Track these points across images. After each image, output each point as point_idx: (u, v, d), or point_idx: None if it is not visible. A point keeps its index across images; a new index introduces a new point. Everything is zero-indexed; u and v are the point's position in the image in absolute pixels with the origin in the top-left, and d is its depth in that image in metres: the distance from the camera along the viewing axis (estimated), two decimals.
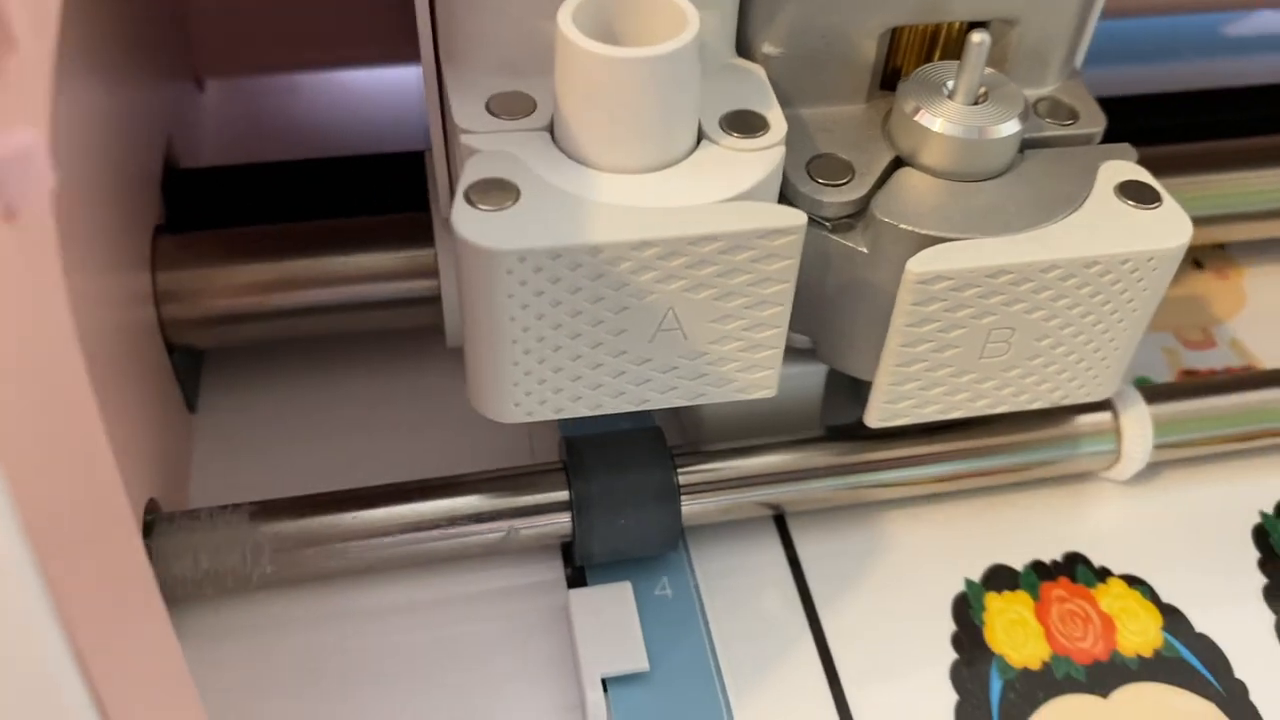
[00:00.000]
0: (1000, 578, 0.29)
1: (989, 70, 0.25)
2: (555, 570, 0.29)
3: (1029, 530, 0.31)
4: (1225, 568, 0.30)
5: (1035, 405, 0.27)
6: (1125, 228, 0.24)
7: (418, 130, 0.41)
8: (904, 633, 0.28)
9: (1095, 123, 0.27)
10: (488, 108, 0.24)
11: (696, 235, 0.22)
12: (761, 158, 0.23)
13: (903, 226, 0.24)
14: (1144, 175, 0.26)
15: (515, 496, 0.27)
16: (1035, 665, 0.28)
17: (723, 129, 0.24)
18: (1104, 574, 0.30)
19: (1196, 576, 0.30)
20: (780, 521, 0.30)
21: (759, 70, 0.25)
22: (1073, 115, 0.27)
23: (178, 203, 0.32)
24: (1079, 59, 0.28)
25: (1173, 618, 0.29)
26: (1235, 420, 0.31)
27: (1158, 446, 0.30)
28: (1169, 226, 0.25)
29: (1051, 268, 0.24)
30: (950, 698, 0.27)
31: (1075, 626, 0.29)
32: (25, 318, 0.13)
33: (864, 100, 0.27)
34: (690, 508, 0.28)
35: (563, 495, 0.27)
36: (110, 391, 0.25)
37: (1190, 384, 0.32)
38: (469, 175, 0.22)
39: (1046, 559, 0.30)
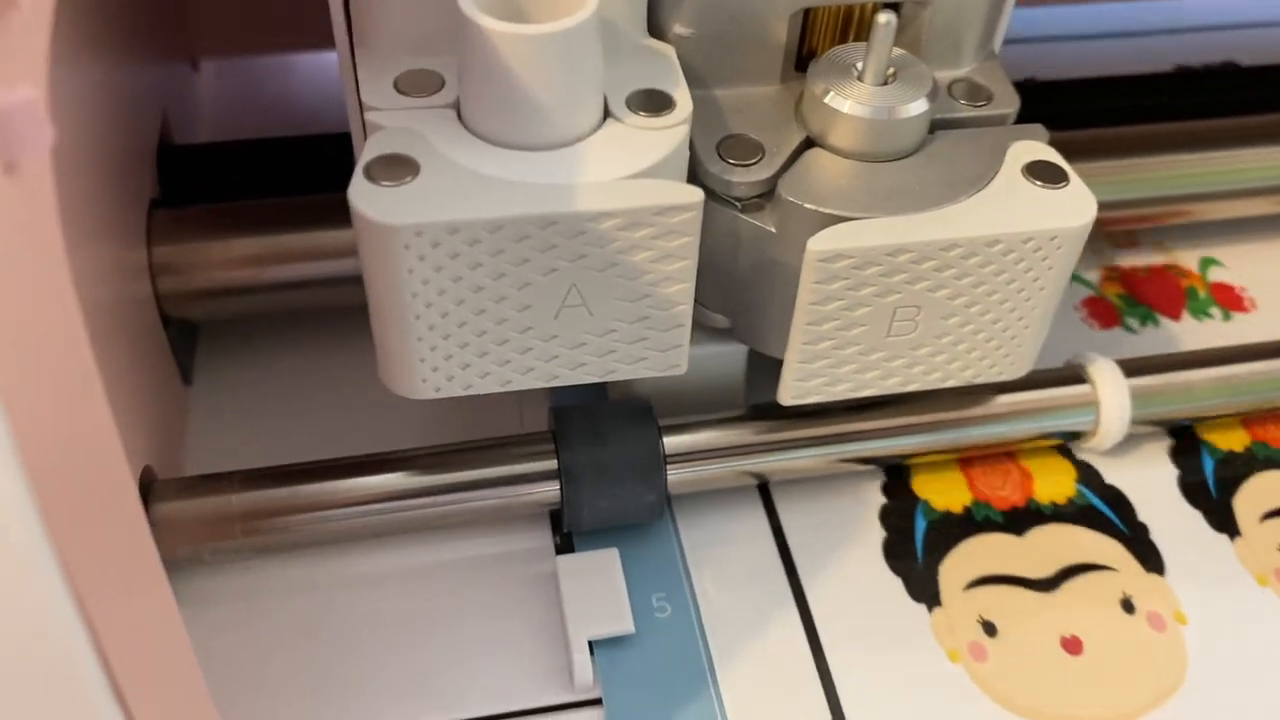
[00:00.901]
0: None
1: (899, 51, 0.26)
2: (544, 538, 0.30)
3: None
4: (1137, 431, 0.32)
5: (949, 384, 0.27)
6: (1029, 206, 0.25)
7: None
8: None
9: (1009, 104, 0.27)
10: (396, 86, 0.24)
11: (595, 211, 0.22)
12: (665, 136, 0.23)
13: (807, 206, 0.24)
14: (1052, 155, 0.26)
15: (505, 465, 0.28)
16: (957, 509, 0.31)
17: (629, 108, 0.24)
18: None
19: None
20: (764, 490, 0.31)
21: (669, 50, 0.25)
22: (987, 97, 0.27)
23: (173, 178, 0.32)
24: (997, 42, 0.28)
25: (1086, 472, 0.32)
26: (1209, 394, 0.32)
27: (1135, 421, 0.31)
28: (1074, 205, 0.25)
29: (952, 246, 0.24)
30: (878, 535, 0.30)
31: (996, 478, 0.31)
32: (26, 270, 0.14)
33: (778, 82, 0.27)
34: (676, 476, 0.29)
35: (551, 464, 0.28)
36: (105, 363, 0.25)
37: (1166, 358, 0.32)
38: (370, 151, 0.22)
39: None
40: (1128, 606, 0.29)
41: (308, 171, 0.33)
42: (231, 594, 0.28)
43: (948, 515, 0.31)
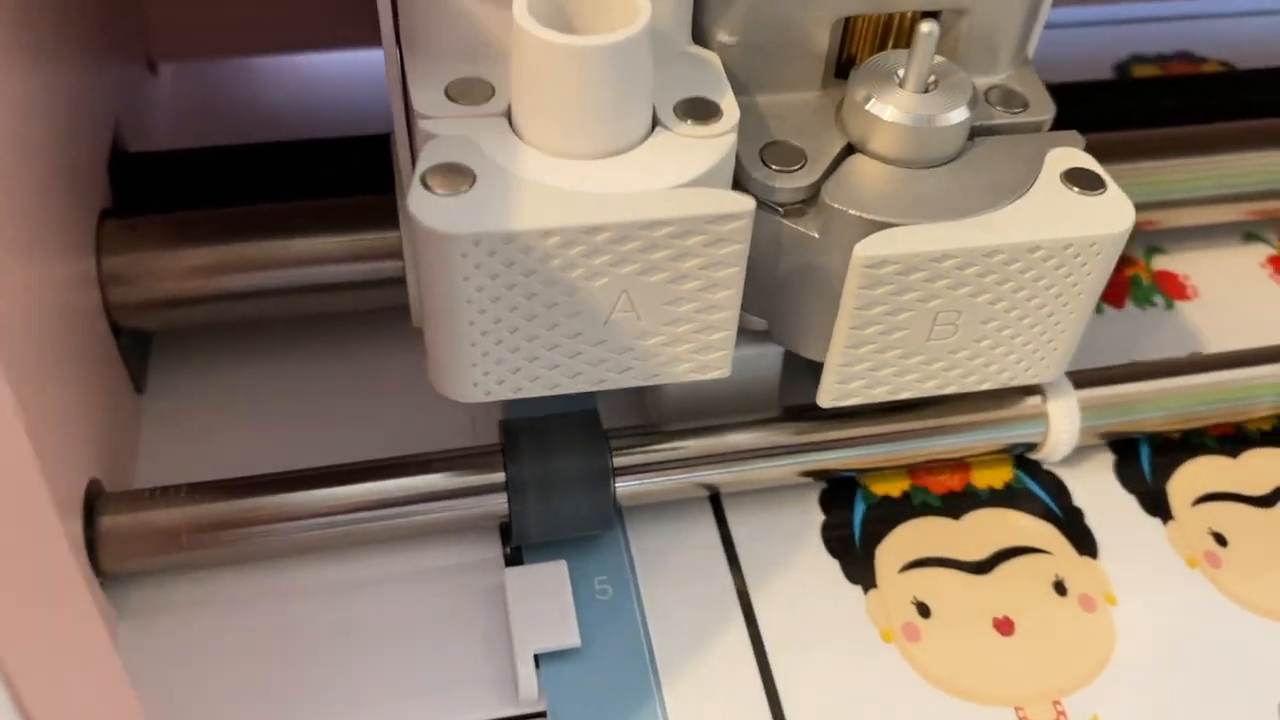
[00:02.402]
0: None
1: (939, 59, 0.26)
2: (494, 550, 0.30)
3: None
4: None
5: (983, 386, 0.28)
6: (1069, 213, 0.25)
7: (374, 114, 0.41)
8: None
9: (1045, 110, 0.27)
10: (447, 93, 0.24)
11: (648, 220, 0.22)
12: (714, 144, 0.24)
13: (851, 212, 0.25)
14: (1090, 163, 0.26)
15: (453, 478, 0.28)
16: (895, 494, 0.31)
17: (677, 116, 0.24)
18: None
19: None
20: (715, 501, 0.31)
21: (714, 58, 0.26)
22: (1023, 103, 0.28)
23: (125, 186, 0.32)
24: (1031, 48, 0.29)
25: (1023, 459, 0.32)
26: (1162, 405, 0.32)
27: (1085, 430, 0.31)
28: (1112, 213, 0.25)
29: (995, 252, 0.24)
30: (817, 518, 0.31)
31: (934, 464, 0.32)
32: None
33: (818, 88, 0.27)
34: (626, 488, 0.29)
35: (499, 477, 0.28)
36: (52, 372, 0.26)
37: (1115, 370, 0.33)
38: (425, 160, 0.23)
39: None
40: (1060, 588, 0.30)
41: (264, 180, 0.33)
42: (178, 606, 0.28)
43: (886, 499, 0.31)
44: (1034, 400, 0.31)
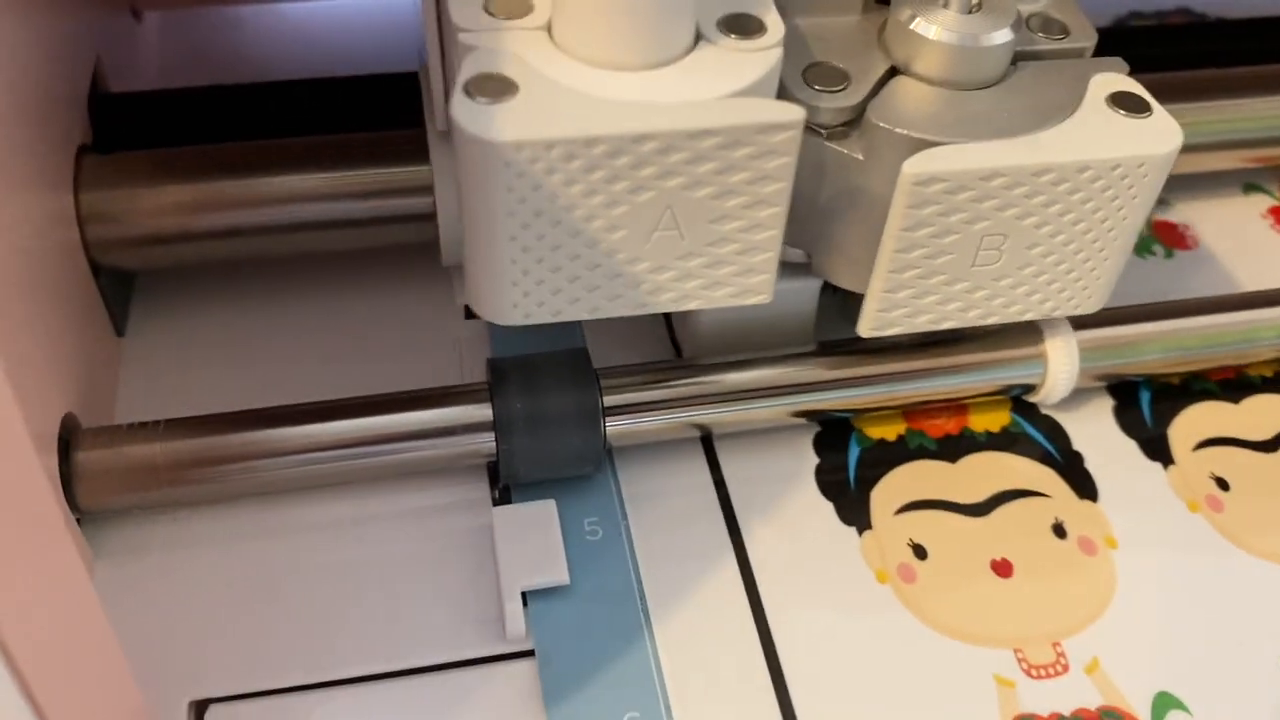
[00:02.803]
0: None
1: None
2: (482, 490, 0.29)
3: None
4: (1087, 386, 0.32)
5: (1026, 316, 0.27)
6: (1117, 134, 0.25)
7: (360, 61, 0.40)
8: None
9: (1086, 37, 0.27)
10: (485, 8, 0.24)
11: (696, 129, 0.22)
12: (759, 58, 0.23)
13: (898, 131, 0.24)
14: (1134, 86, 0.26)
15: (439, 415, 0.28)
16: (891, 437, 0.31)
17: (720, 30, 0.24)
18: None
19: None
20: (707, 443, 0.31)
21: None
22: (1064, 30, 0.27)
23: (107, 126, 0.31)
24: None
25: (1021, 403, 0.32)
26: (1161, 346, 0.32)
27: (1083, 372, 0.31)
28: (1159, 134, 0.25)
29: (1044, 171, 0.24)
30: (811, 461, 0.30)
31: (931, 408, 0.31)
32: None
33: (859, 12, 0.27)
34: (615, 428, 0.28)
35: (486, 415, 0.27)
36: (28, 309, 0.25)
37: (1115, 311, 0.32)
38: (467, 70, 0.22)
39: None
40: (1059, 531, 0.29)
41: (246, 119, 0.33)
42: (156, 546, 0.28)
43: (881, 442, 0.31)
44: (1032, 341, 0.30)
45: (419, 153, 0.30)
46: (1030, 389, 0.31)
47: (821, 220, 0.27)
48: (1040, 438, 0.31)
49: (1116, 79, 0.26)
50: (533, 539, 0.27)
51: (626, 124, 0.22)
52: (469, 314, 0.33)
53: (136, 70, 0.39)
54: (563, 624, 0.27)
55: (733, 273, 0.25)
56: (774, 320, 0.29)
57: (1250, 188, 0.39)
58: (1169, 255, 0.37)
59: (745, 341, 0.29)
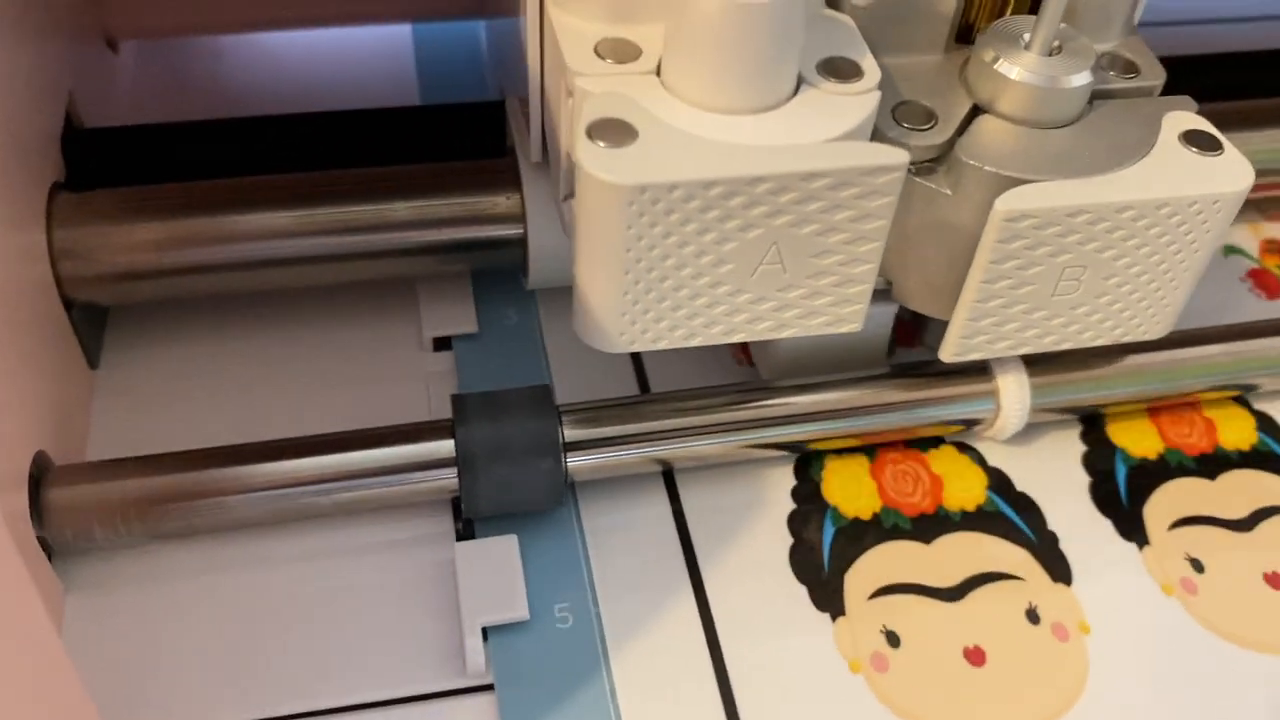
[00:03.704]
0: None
1: (1061, 24, 0.27)
2: (446, 525, 0.30)
3: None
4: (1050, 436, 0.33)
5: (1098, 342, 0.29)
6: (1191, 173, 0.26)
7: (338, 92, 0.42)
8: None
9: (1156, 76, 0.28)
10: (596, 51, 0.25)
11: (808, 171, 0.23)
12: (859, 101, 0.25)
13: (986, 168, 0.26)
14: (1205, 125, 0.27)
15: (403, 452, 0.28)
16: (866, 516, 0.31)
17: (820, 74, 0.25)
18: (937, 440, 0.32)
19: (1023, 444, 0.33)
20: (669, 478, 0.31)
21: (849, 20, 0.26)
22: (1134, 69, 0.28)
23: (79, 161, 0.32)
24: (1137, 17, 0.30)
25: (997, 479, 0.32)
26: (1110, 384, 0.32)
27: (1036, 410, 0.32)
28: (1232, 172, 0.26)
29: (1125, 208, 0.25)
30: (784, 541, 0.30)
31: (906, 484, 0.31)
32: None
33: (942, 51, 0.28)
34: (577, 463, 0.29)
35: (449, 450, 0.28)
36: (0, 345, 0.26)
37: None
38: (589, 115, 0.24)
39: None
40: (1032, 617, 0.29)
41: (221, 155, 0.34)
42: (127, 580, 0.28)
43: (857, 522, 0.30)
44: (984, 377, 0.31)
45: (388, 190, 0.31)
46: (980, 423, 0.32)
47: (905, 250, 0.28)
48: (1015, 517, 0.31)
49: (1188, 117, 0.27)
50: (494, 574, 0.28)
51: (741, 167, 0.23)
52: (436, 348, 0.34)
53: (113, 102, 0.39)
54: (522, 659, 0.27)
55: (828, 303, 0.26)
56: (851, 343, 0.30)
57: (1230, 250, 0.39)
58: None
59: (820, 364, 0.31)
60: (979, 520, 0.31)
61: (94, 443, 0.31)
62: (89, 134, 0.34)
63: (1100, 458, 0.33)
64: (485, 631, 0.27)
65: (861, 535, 0.30)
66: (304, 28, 0.44)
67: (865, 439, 0.31)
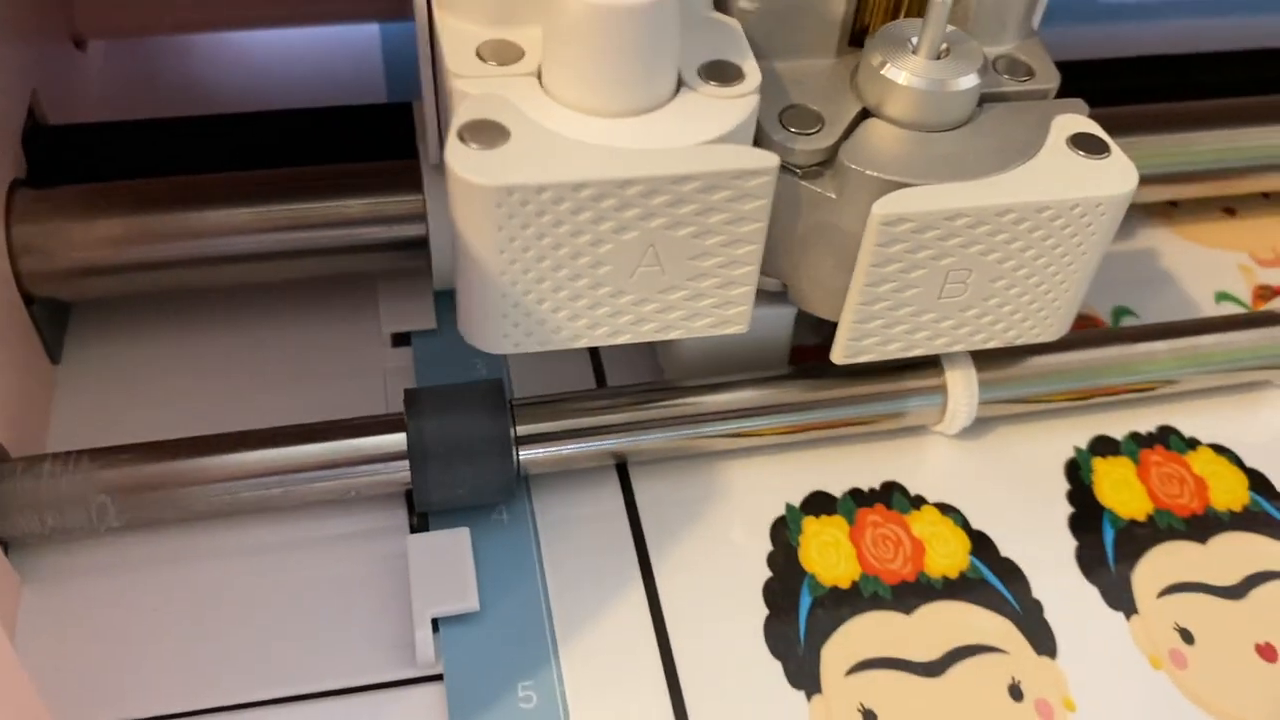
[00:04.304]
0: (818, 503, 0.31)
1: (951, 27, 0.27)
2: (400, 518, 0.30)
3: (851, 463, 0.32)
4: (1035, 497, 0.32)
5: (990, 344, 0.29)
6: (1076, 176, 0.26)
7: (306, 90, 0.42)
8: (727, 574, 0.29)
9: (1050, 80, 0.28)
10: (478, 54, 0.25)
11: (677, 174, 0.23)
12: (738, 105, 0.25)
13: (869, 173, 0.26)
14: (1094, 128, 0.27)
15: (358, 445, 0.29)
16: (845, 584, 0.29)
17: (701, 77, 0.25)
18: (919, 501, 0.31)
19: (1007, 505, 0.32)
20: (622, 469, 0.31)
21: (735, 23, 0.26)
22: (1029, 72, 0.29)
23: (41, 158, 0.32)
24: (1036, 20, 0.30)
25: (980, 543, 0.31)
26: (1058, 378, 0.32)
27: (983, 403, 0.31)
28: (1117, 175, 0.26)
29: (1006, 211, 0.25)
30: (760, 613, 0.29)
31: (886, 549, 0.30)
32: None
33: (833, 55, 0.28)
34: (530, 456, 0.29)
35: (400, 444, 0.28)
36: None
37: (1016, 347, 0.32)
38: (462, 116, 0.24)
39: (865, 487, 0.31)
40: (1015, 693, 0.28)
41: (184, 153, 0.34)
42: (83, 570, 0.29)
43: (835, 591, 0.29)
44: (934, 373, 0.31)
45: (344, 187, 0.32)
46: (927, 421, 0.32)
47: (797, 253, 0.28)
48: (999, 584, 0.30)
49: (1077, 120, 0.27)
50: (445, 567, 0.28)
51: (612, 169, 0.23)
52: (395, 344, 0.34)
53: (80, 100, 0.39)
54: (472, 649, 0.27)
55: (711, 304, 0.26)
56: (751, 345, 0.31)
57: (1222, 297, 0.38)
58: None
59: (722, 365, 0.31)
60: (962, 588, 0.30)
61: (54, 436, 0.31)
62: (51, 131, 0.34)
63: (1087, 520, 0.31)
64: (436, 623, 0.28)
65: (839, 605, 0.29)
66: (272, 27, 0.45)
67: (809, 431, 0.31)
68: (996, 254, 0.26)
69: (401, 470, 0.28)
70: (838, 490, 0.31)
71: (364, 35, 0.46)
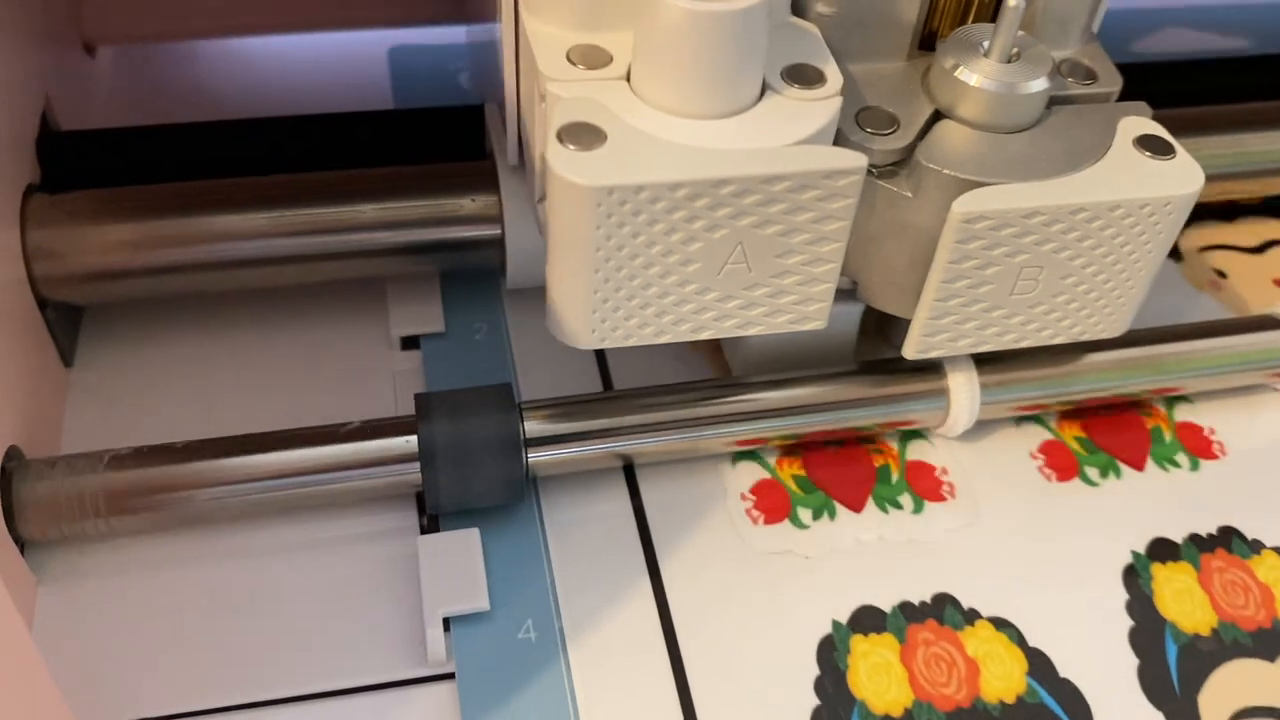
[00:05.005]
0: (867, 620, 0.29)
1: (1020, 32, 0.28)
2: (411, 519, 0.31)
3: (895, 567, 0.31)
4: (1094, 612, 0.30)
5: (1056, 340, 0.29)
6: (1144, 176, 0.27)
7: (315, 96, 0.43)
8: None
9: (1113, 83, 0.29)
10: (568, 58, 0.26)
11: (769, 174, 0.24)
12: (821, 107, 0.26)
13: (946, 172, 0.26)
14: (1159, 130, 0.28)
15: (368, 447, 0.29)
16: (897, 712, 0.28)
17: (784, 80, 0.26)
18: (972, 616, 0.30)
19: (1064, 620, 0.30)
20: (630, 472, 0.32)
21: (814, 28, 0.27)
22: (1092, 75, 0.29)
23: (55, 164, 0.33)
24: (1096, 25, 0.30)
25: (1038, 661, 0.29)
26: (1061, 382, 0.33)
27: (986, 404, 0.32)
28: (1183, 175, 0.27)
29: (1079, 210, 0.26)
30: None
31: (939, 671, 0.28)
32: None
33: (905, 58, 0.29)
34: (538, 458, 0.30)
35: (411, 447, 0.29)
36: None
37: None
38: (559, 119, 0.24)
39: (915, 600, 0.30)
40: None
41: (195, 158, 0.34)
42: (98, 572, 0.29)
43: (887, 718, 0.28)
44: (935, 376, 0.32)
45: (357, 192, 0.32)
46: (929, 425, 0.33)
47: (869, 250, 0.29)
48: (1058, 709, 0.28)
49: (1142, 122, 0.28)
50: (456, 567, 0.29)
51: (706, 170, 0.24)
52: (404, 347, 0.35)
53: (90, 106, 0.40)
54: (483, 648, 0.28)
55: (792, 301, 0.27)
56: (820, 341, 0.31)
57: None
58: (1195, 467, 0.33)
59: (789, 361, 0.32)
60: (1019, 713, 0.28)
61: (67, 439, 0.32)
62: (64, 137, 0.35)
63: (1148, 634, 0.29)
64: (447, 622, 0.28)
65: None
66: (280, 33, 0.45)
67: (810, 436, 0.32)
68: (1068, 251, 0.27)
69: (413, 472, 0.29)
70: (886, 604, 0.30)
71: (370, 41, 0.46)
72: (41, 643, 0.28)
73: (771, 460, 0.32)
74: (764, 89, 0.26)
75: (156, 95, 0.43)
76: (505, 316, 0.35)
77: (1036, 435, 0.34)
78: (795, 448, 0.33)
